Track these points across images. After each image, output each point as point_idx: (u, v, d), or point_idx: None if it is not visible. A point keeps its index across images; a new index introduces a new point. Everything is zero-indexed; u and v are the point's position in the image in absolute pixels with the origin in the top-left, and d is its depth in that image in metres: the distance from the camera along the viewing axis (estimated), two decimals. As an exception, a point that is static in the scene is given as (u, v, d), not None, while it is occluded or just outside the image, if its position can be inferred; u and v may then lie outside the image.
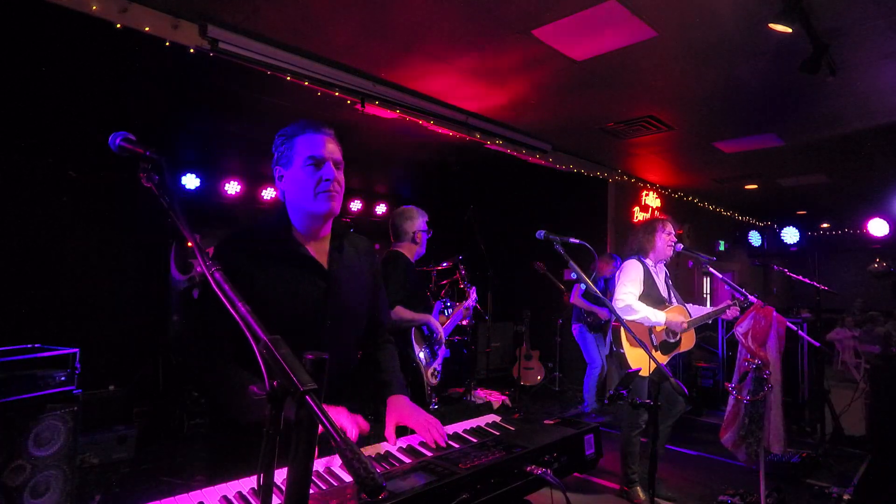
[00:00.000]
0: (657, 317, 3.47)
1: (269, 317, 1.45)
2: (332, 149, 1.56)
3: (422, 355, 3.17)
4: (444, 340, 3.31)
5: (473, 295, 3.84)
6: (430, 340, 3.21)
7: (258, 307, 1.45)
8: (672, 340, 3.64)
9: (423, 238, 3.28)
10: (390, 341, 1.93)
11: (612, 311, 2.65)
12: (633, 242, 3.77)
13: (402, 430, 1.60)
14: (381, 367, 1.83)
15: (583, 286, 5.75)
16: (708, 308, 3.81)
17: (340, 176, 1.59)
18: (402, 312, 3.05)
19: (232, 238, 1.61)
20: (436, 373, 3.27)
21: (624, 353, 3.45)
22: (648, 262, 3.70)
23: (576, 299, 5.87)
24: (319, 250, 1.63)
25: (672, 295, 3.75)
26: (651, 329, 3.56)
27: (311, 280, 1.58)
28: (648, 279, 3.63)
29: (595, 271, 5.82)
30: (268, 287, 1.50)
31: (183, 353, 1.61)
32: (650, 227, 3.74)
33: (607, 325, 5.86)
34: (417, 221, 3.26)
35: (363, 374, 1.82)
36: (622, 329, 3.46)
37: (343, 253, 1.68)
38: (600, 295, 2.46)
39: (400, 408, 1.64)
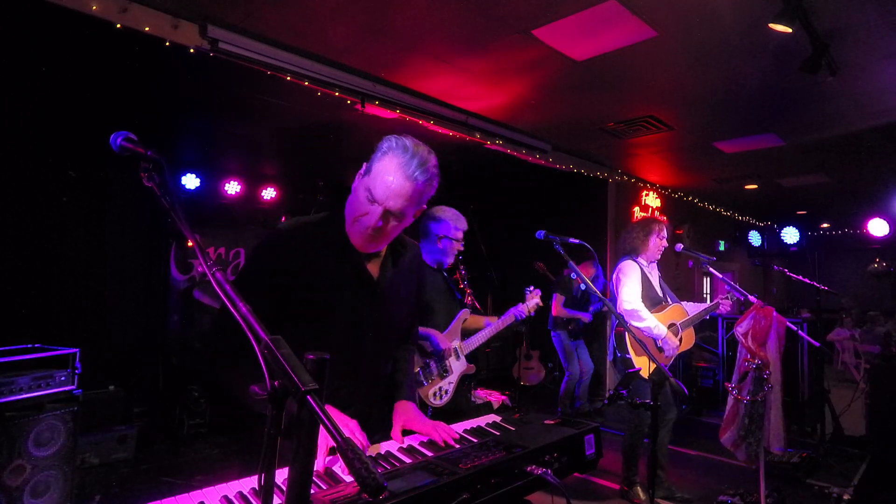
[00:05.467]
0: (659, 330, 3.47)
1: (312, 323, 1.46)
2: (399, 196, 1.41)
3: (419, 371, 2.74)
4: (449, 356, 2.83)
5: (532, 300, 3.17)
6: (434, 356, 2.78)
7: (301, 311, 1.44)
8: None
9: (448, 246, 2.91)
10: (412, 342, 1.93)
11: (613, 312, 2.65)
12: (627, 241, 3.78)
13: (407, 433, 1.61)
14: (397, 366, 1.82)
15: (563, 296, 5.77)
16: (703, 304, 3.82)
17: (391, 227, 1.46)
18: None
19: (286, 233, 1.57)
20: (442, 392, 2.78)
21: (630, 358, 3.45)
22: (642, 261, 3.71)
23: (558, 310, 5.83)
24: (373, 260, 1.59)
25: (667, 294, 3.75)
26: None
27: (358, 290, 1.54)
28: (645, 280, 3.65)
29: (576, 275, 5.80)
30: (315, 292, 1.48)
31: (207, 362, 1.55)
32: (647, 228, 3.74)
33: (588, 330, 5.94)
34: (447, 225, 2.91)
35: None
36: (626, 333, 3.46)
37: (397, 265, 1.64)
38: (599, 293, 2.47)
39: (406, 412, 1.65)
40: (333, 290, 1.51)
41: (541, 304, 3.24)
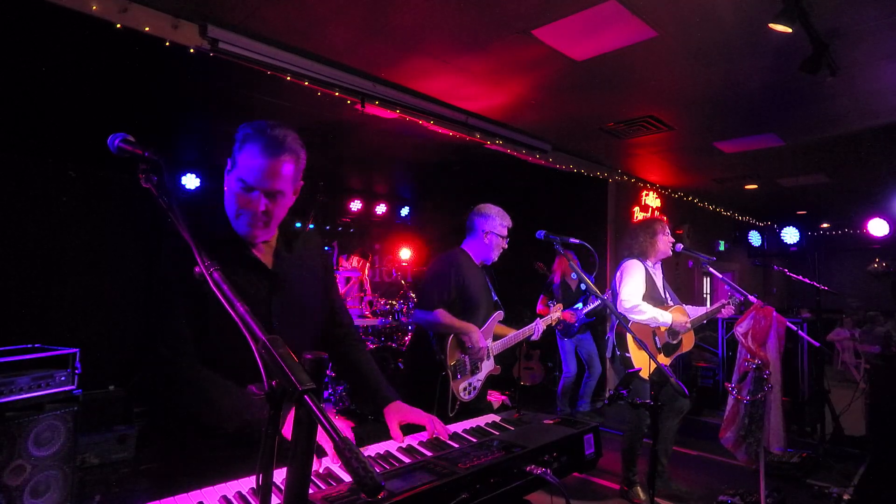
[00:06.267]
0: (664, 317, 3.47)
1: (210, 322, 1.43)
2: (273, 176, 1.41)
3: (454, 365, 2.79)
4: (484, 355, 2.91)
5: (554, 313, 3.39)
6: (469, 352, 2.83)
7: (197, 313, 1.41)
8: (673, 342, 3.65)
9: (493, 241, 3.01)
10: (361, 341, 1.87)
11: (615, 312, 2.66)
12: (634, 244, 3.76)
13: (406, 429, 1.61)
14: (363, 372, 1.78)
15: (547, 295, 5.84)
16: (705, 308, 3.81)
17: (276, 208, 1.46)
18: (440, 317, 2.77)
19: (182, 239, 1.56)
20: (471, 388, 2.85)
21: (630, 357, 3.45)
22: (648, 263, 3.70)
23: (541, 308, 5.91)
24: (265, 250, 1.56)
25: (669, 296, 3.75)
26: (654, 331, 3.57)
27: (254, 281, 1.50)
28: (649, 280, 3.64)
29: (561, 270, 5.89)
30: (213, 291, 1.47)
31: (150, 357, 1.52)
32: (651, 228, 3.73)
33: (583, 330, 5.97)
34: (493, 221, 3.03)
35: (342, 375, 1.79)
36: (626, 332, 3.46)
37: (292, 252, 1.61)
38: (598, 293, 2.47)
39: (399, 410, 1.66)
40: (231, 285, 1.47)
41: (562, 317, 3.39)
